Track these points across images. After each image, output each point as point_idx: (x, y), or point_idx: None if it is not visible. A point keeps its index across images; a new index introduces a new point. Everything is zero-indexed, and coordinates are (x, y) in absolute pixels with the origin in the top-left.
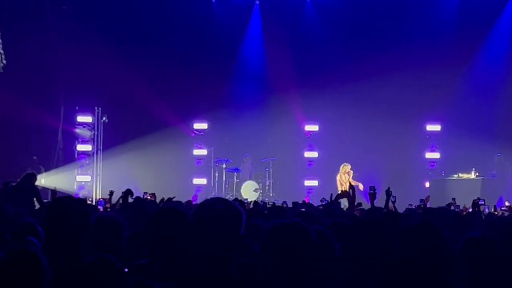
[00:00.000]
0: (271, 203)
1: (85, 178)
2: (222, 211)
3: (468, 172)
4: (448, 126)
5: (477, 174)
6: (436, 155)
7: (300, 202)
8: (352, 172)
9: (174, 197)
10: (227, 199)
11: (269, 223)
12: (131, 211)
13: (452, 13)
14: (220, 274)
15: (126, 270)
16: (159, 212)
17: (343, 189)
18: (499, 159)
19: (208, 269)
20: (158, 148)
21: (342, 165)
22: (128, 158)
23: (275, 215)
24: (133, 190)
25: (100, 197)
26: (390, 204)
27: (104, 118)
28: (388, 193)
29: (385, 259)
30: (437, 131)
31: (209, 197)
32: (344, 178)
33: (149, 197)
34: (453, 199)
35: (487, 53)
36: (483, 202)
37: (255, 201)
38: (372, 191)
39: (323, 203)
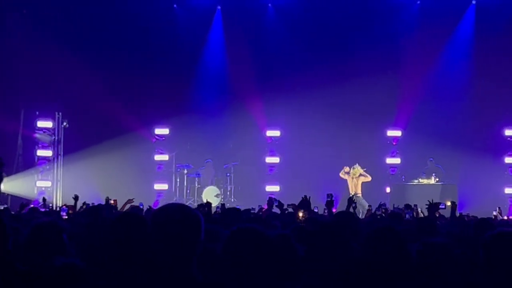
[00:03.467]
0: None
1: (46, 184)
2: (180, 215)
3: (428, 177)
4: (409, 131)
5: (437, 179)
6: (396, 161)
7: (264, 206)
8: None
9: (133, 198)
10: (184, 204)
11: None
12: (86, 217)
13: (412, 19)
14: (181, 278)
15: None
16: (119, 218)
17: (357, 191)
18: (431, 164)
19: (168, 274)
20: (119, 153)
21: (352, 169)
22: (89, 163)
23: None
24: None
25: (62, 204)
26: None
27: (64, 123)
28: (351, 200)
29: (346, 262)
30: (398, 136)
31: (169, 202)
32: (354, 180)
33: (112, 203)
34: (415, 205)
35: (448, 59)
36: (443, 207)
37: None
38: (329, 199)
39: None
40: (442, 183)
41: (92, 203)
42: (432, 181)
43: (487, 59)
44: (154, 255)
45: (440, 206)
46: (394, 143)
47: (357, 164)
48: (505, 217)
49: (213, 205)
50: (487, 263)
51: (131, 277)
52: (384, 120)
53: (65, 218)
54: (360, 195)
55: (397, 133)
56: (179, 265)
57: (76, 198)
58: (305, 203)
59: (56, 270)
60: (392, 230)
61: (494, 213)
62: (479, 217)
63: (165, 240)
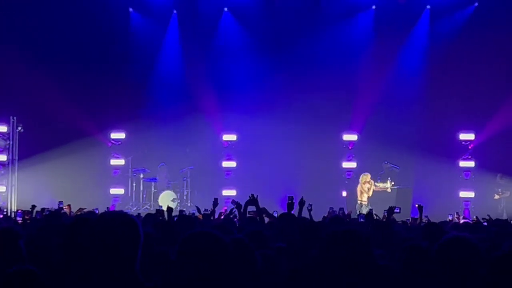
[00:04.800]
0: (191, 213)
1: (0, 189)
2: (117, 223)
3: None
4: (365, 136)
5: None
6: (352, 165)
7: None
8: (372, 181)
9: (85, 208)
10: (122, 211)
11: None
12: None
13: (368, 24)
14: (124, 282)
15: None
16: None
17: (363, 198)
18: (386, 167)
19: (111, 278)
20: (74, 157)
21: (362, 175)
22: (44, 168)
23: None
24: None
25: (17, 209)
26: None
27: (19, 128)
28: (301, 203)
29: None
30: (354, 140)
31: (126, 207)
32: (365, 187)
33: (65, 208)
34: (371, 209)
35: (403, 64)
36: (398, 211)
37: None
38: (290, 201)
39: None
40: (397, 187)
41: (47, 208)
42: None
43: (441, 64)
44: (97, 261)
45: (395, 210)
46: (350, 147)
47: (367, 173)
48: (463, 221)
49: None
50: (440, 268)
51: (80, 282)
52: (340, 124)
53: (20, 223)
54: (364, 203)
55: (353, 137)
56: (121, 270)
57: (33, 207)
58: (251, 202)
59: (10, 277)
60: (356, 233)
61: (450, 217)
62: (433, 221)
63: (104, 248)
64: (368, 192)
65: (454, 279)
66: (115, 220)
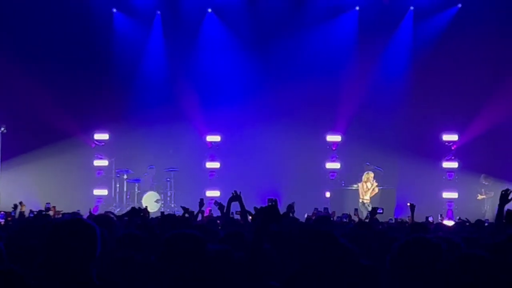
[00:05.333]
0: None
1: None
2: (74, 229)
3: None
4: (348, 136)
5: (376, 183)
6: (336, 165)
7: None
8: (374, 182)
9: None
10: (80, 218)
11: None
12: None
13: (352, 25)
14: (80, 284)
15: None
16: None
17: (364, 197)
18: (367, 168)
19: (68, 280)
20: (58, 158)
21: (364, 174)
22: (28, 169)
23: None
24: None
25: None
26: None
27: (2, 129)
28: (290, 208)
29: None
30: (337, 141)
31: (109, 208)
32: (365, 186)
33: (51, 210)
34: (356, 209)
35: (387, 65)
36: (381, 211)
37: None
38: (271, 203)
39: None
40: (381, 187)
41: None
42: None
43: (425, 65)
44: (56, 265)
45: (378, 211)
46: (333, 148)
47: (370, 172)
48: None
49: (154, 210)
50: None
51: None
52: (324, 125)
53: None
54: (366, 201)
55: (337, 138)
56: (77, 273)
57: (15, 207)
58: (234, 199)
59: None
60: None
61: (430, 219)
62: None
63: (62, 253)
64: (369, 190)
65: (415, 279)
66: (74, 227)
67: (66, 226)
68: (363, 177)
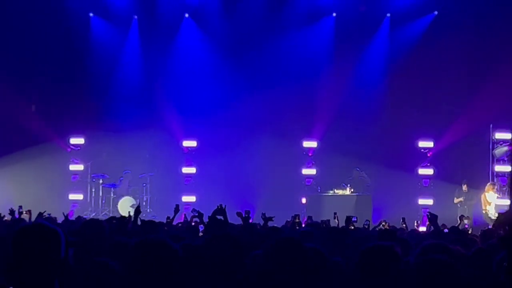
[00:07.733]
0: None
1: None
2: (37, 235)
3: (344, 188)
4: (325, 142)
5: (352, 190)
6: (312, 171)
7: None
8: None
9: (45, 211)
10: (44, 223)
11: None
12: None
13: (329, 31)
14: None
15: None
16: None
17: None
18: (356, 173)
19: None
20: (33, 163)
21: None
22: (2, 173)
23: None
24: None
25: None
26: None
27: None
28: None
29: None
30: (314, 147)
31: (84, 213)
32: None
33: (25, 213)
34: (335, 213)
35: (363, 71)
36: (355, 220)
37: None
38: (246, 215)
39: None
40: (357, 194)
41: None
42: (348, 191)
43: (401, 71)
44: (19, 272)
45: (353, 220)
46: (310, 154)
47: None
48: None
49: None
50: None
51: None
52: (301, 131)
53: None
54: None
55: (313, 144)
56: (40, 281)
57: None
58: (219, 212)
59: None
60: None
61: (403, 225)
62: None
63: (24, 259)
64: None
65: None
66: (37, 232)
67: (28, 231)
68: (486, 187)
